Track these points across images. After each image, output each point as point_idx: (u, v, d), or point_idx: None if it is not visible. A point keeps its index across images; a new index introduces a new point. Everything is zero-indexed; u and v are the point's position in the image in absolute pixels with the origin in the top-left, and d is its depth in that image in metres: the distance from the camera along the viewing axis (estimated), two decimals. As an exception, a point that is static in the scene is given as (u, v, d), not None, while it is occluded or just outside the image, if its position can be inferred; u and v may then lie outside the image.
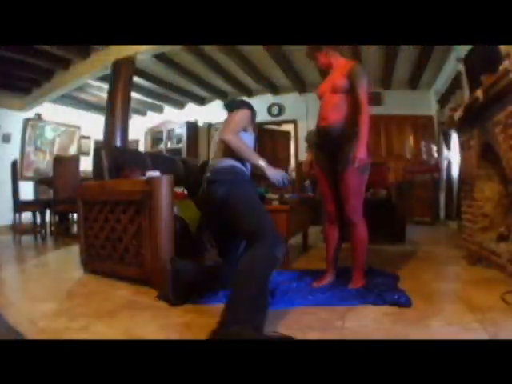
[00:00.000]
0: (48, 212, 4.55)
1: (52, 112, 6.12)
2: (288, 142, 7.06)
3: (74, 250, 2.79)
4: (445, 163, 5.04)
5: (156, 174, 2.20)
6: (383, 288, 1.77)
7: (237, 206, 1.58)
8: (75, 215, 4.36)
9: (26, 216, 4.40)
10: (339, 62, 1.93)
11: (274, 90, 6.28)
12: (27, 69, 4.74)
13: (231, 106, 1.88)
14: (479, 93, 2.09)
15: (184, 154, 6.37)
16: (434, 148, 5.62)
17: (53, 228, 4.49)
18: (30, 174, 5.67)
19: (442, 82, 4.95)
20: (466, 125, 2.63)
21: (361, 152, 1.72)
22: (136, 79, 4.79)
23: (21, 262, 3.12)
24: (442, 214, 5.20)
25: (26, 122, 5.84)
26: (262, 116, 6.48)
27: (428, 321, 1.40)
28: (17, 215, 4.28)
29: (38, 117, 5.99)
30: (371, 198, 3.68)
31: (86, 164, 4.84)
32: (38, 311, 1.62)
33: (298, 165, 6.09)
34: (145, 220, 2.00)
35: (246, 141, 1.78)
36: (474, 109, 2.29)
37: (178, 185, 2.04)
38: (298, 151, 6.42)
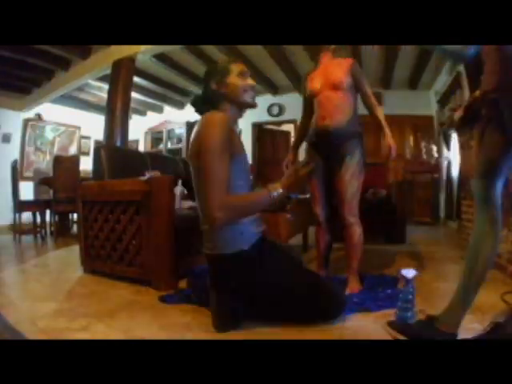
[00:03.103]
0: (48, 212, 4.55)
1: (52, 112, 6.12)
2: (288, 142, 7.06)
3: (74, 249, 2.79)
4: (445, 163, 5.04)
5: (156, 174, 2.20)
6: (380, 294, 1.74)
7: None
8: (75, 215, 4.37)
9: (26, 216, 4.40)
10: (332, 59, 1.90)
11: (274, 89, 6.28)
12: (27, 69, 4.74)
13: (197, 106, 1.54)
14: (479, 93, 2.08)
15: (184, 154, 6.37)
16: (434, 148, 5.62)
17: (53, 228, 4.49)
18: (29, 174, 5.67)
19: (441, 82, 4.95)
20: (465, 125, 2.63)
21: (391, 140, 1.79)
22: (136, 79, 4.79)
23: (21, 261, 3.11)
24: (442, 214, 5.20)
25: (26, 122, 5.84)
26: (262, 116, 6.49)
27: (428, 321, 1.39)
28: (17, 215, 4.28)
29: (38, 117, 5.99)
30: (371, 198, 3.68)
31: (86, 164, 4.84)
32: (38, 311, 1.61)
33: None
34: (145, 220, 2.00)
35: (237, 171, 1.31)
36: (474, 109, 2.29)
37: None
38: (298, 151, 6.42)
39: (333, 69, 1.85)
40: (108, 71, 4.13)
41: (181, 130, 6.65)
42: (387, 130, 1.81)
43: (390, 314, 1.49)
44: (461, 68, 3.65)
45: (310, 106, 1.97)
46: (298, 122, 2.11)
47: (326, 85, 1.83)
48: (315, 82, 1.89)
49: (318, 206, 1.94)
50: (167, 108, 7.16)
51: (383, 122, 1.83)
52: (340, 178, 1.80)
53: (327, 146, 1.84)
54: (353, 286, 1.79)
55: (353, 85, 1.82)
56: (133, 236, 2.09)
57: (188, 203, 2.72)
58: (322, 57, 1.93)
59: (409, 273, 1.45)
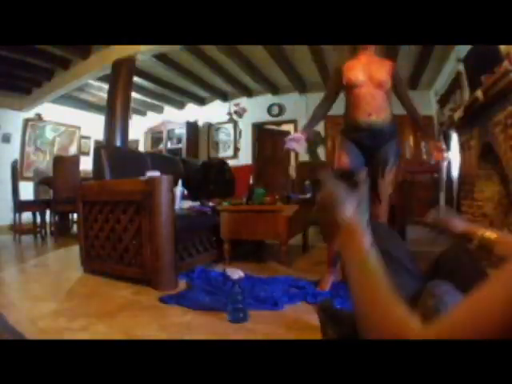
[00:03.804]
0: (48, 212, 4.55)
1: (52, 112, 6.12)
2: (288, 142, 7.06)
3: (74, 249, 2.79)
4: (445, 163, 5.04)
5: (156, 174, 2.20)
6: None
7: None
8: (75, 215, 4.37)
9: (26, 216, 4.40)
10: (373, 58, 1.86)
11: (274, 89, 6.28)
12: (27, 69, 4.74)
13: None
14: (479, 93, 2.09)
15: (184, 154, 6.37)
16: (434, 148, 5.62)
17: (53, 228, 4.49)
18: (29, 174, 5.68)
19: (441, 82, 4.95)
20: (466, 125, 2.63)
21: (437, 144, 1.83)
22: (136, 79, 4.79)
23: (21, 261, 3.12)
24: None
25: (26, 122, 5.84)
26: (262, 116, 6.49)
27: (428, 321, 1.39)
28: (17, 215, 4.28)
29: (38, 117, 5.99)
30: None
31: (86, 164, 4.85)
32: (37, 311, 1.62)
33: (298, 165, 6.10)
34: (145, 220, 2.00)
35: None
36: (474, 109, 2.29)
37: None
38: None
39: (376, 67, 1.82)
40: (108, 71, 4.14)
41: (181, 130, 6.65)
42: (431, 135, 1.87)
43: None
44: (461, 68, 3.65)
45: (335, 94, 1.91)
46: (319, 103, 1.96)
47: (371, 80, 1.79)
48: (358, 73, 1.81)
49: None
50: (167, 108, 7.16)
51: (423, 126, 1.88)
52: (384, 179, 1.80)
53: (370, 142, 1.80)
54: None
55: (391, 87, 1.82)
56: (133, 236, 2.09)
57: (188, 203, 2.72)
58: (360, 55, 1.85)
59: (234, 274, 1.43)
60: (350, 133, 1.85)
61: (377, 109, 1.77)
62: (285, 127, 7.02)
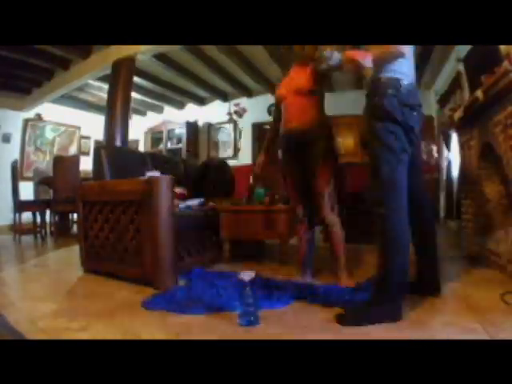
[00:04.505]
0: (48, 212, 4.55)
1: (52, 112, 6.13)
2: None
3: (74, 249, 2.79)
4: (445, 163, 5.04)
5: (156, 174, 2.20)
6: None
7: None
8: (75, 215, 4.37)
9: (26, 216, 4.40)
10: (302, 67, 2.00)
11: (274, 90, 6.28)
12: (27, 69, 4.74)
13: None
14: (479, 93, 2.08)
15: (184, 154, 6.37)
16: (434, 148, 5.62)
17: (53, 228, 4.49)
18: (29, 174, 5.68)
19: (442, 82, 4.95)
20: (466, 125, 2.63)
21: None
22: (136, 79, 4.79)
23: (21, 261, 3.12)
24: (442, 214, 5.20)
25: (26, 122, 5.84)
26: (262, 116, 6.49)
27: (428, 321, 1.40)
28: (17, 215, 4.28)
29: (38, 117, 5.99)
30: (371, 198, 3.68)
31: (86, 164, 4.85)
32: (38, 311, 1.61)
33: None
34: (145, 220, 2.00)
35: None
36: (474, 109, 2.29)
37: (177, 185, 2.06)
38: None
39: (299, 76, 1.96)
40: (108, 71, 4.14)
41: (181, 130, 6.65)
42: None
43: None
44: (461, 68, 3.65)
45: (279, 112, 2.08)
46: (271, 126, 2.22)
47: (290, 91, 1.95)
48: (282, 89, 2.04)
49: (298, 205, 2.02)
50: (167, 108, 7.16)
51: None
52: (317, 179, 1.86)
53: (297, 147, 1.91)
54: (345, 282, 1.84)
55: (316, 88, 1.90)
56: (133, 236, 2.09)
57: (192, 202, 2.72)
58: (293, 68, 2.10)
59: (246, 275, 1.43)
60: (280, 141, 2.03)
61: (297, 115, 1.90)
62: (285, 127, 7.02)
